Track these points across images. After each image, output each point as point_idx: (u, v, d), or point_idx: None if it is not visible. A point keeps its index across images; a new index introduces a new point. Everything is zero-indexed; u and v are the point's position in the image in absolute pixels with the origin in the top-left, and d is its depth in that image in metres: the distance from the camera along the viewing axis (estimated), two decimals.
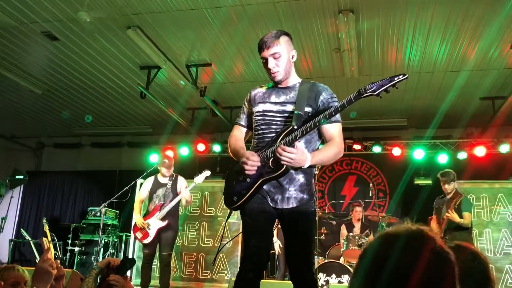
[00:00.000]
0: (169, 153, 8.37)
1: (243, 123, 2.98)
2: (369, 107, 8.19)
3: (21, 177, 9.21)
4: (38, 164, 11.13)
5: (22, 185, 10.33)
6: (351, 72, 6.66)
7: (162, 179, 5.98)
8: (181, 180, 6.08)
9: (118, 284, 1.78)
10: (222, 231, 7.56)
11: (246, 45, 6.17)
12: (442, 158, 8.30)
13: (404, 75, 2.46)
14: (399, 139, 8.75)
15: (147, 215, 5.80)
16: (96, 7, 5.29)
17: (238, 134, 2.95)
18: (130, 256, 7.43)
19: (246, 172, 2.62)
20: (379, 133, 9.13)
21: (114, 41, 6.14)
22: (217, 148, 8.98)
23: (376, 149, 8.58)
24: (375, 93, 2.50)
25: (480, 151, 8.06)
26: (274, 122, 2.72)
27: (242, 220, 2.75)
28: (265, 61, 2.75)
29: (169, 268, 5.81)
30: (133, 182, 6.02)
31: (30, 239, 8.22)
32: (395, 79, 2.47)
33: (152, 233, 5.68)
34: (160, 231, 5.71)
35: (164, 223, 5.72)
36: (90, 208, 9.09)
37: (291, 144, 2.54)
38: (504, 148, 8.00)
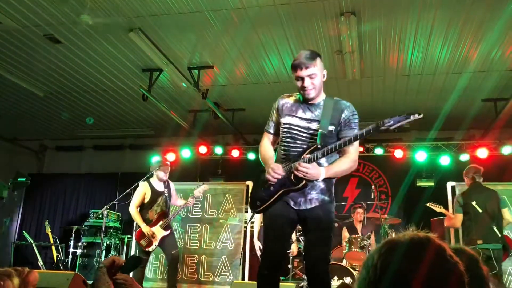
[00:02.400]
0: (169, 157, 8.52)
1: (272, 131, 3.19)
2: (371, 109, 8.18)
3: (23, 179, 9.22)
4: (41, 166, 11.16)
5: (25, 188, 10.34)
6: (353, 74, 6.65)
7: (158, 186, 5.97)
8: (172, 185, 6.23)
9: (126, 283, 1.77)
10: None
11: (248, 47, 6.18)
12: (444, 160, 8.29)
13: (419, 114, 2.64)
14: (401, 141, 8.75)
15: (149, 223, 5.80)
16: (98, 10, 5.30)
17: (267, 143, 3.19)
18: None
19: (269, 181, 2.92)
20: (381, 135, 9.07)
21: (116, 44, 6.16)
22: (219, 150, 8.98)
23: (378, 151, 8.58)
24: (391, 127, 2.63)
25: (482, 153, 8.04)
26: (299, 137, 2.95)
27: (264, 223, 3.11)
28: (301, 80, 2.89)
29: (177, 266, 6.07)
30: (135, 185, 6.00)
31: (32, 241, 8.23)
32: (411, 117, 2.64)
33: (156, 242, 5.80)
34: (163, 239, 5.84)
35: (167, 232, 5.88)
36: (92, 210, 9.09)
37: (311, 162, 2.81)
38: (506, 150, 7.99)
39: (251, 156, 8.90)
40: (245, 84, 7.36)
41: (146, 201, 5.87)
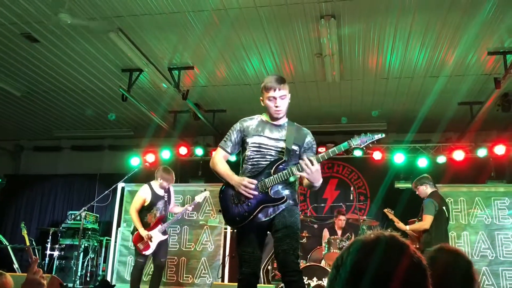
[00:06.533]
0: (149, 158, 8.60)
1: (229, 150, 3.38)
2: (350, 111, 8.27)
3: None
4: (17, 167, 10.93)
5: (0, 189, 10.12)
6: (333, 76, 6.71)
7: (159, 191, 5.95)
8: (172, 191, 6.20)
9: None
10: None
11: (228, 48, 6.18)
12: (422, 162, 8.41)
13: (382, 134, 3.19)
14: (380, 143, 8.84)
15: (147, 226, 5.76)
16: (77, 9, 5.24)
17: (223, 159, 3.38)
18: (116, 258, 7.36)
19: (246, 196, 3.12)
20: None
21: (95, 43, 6.09)
22: (199, 151, 8.94)
23: (357, 153, 8.66)
24: (360, 146, 3.18)
25: (458, 155, 8.19)
26: (268, 154, 3.23)
27: (238, 232, 3.27)
28: (274, 100, 3.20)
29: (162, 274, 6.13)
30: (114, 186, 5.95)
31: (7, 244, 8.06)
32: (375, 137, 3.16)
33: (153, 246, 5.75)
34: (159, 244, 5.81)
35: (165, 236, 5.91)
36: (70, 212, 8.96)
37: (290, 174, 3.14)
38: (481, 153, 8.15)
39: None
40: (225, 85, 7.36)
41: (146, 204, 5.84)
